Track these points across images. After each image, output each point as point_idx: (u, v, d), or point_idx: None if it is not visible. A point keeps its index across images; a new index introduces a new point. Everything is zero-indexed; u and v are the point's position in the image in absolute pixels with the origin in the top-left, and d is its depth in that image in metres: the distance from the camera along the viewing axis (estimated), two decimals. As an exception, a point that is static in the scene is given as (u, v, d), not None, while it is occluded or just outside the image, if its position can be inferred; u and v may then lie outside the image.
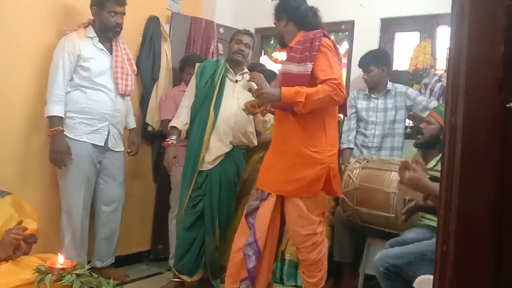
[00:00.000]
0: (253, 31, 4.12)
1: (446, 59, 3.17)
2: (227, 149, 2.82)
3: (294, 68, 2.23)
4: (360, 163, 2.69)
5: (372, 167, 2.63)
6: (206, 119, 2.80)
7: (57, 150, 2.61)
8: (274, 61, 4.37)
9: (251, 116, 2.91)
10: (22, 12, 2.65)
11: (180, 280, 2.85)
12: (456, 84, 0.56)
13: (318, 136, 2.27)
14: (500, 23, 0.53)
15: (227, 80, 2.92)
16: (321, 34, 2.23)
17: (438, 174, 2.49)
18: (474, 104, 0.54)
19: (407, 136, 3.28)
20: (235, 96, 2.89)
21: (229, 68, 2.95)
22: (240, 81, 2.96)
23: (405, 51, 3.64)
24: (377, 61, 3.23)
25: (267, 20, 4.03)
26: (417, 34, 3.65)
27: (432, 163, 2.67)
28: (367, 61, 3.23)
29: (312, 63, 2.19)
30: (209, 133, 2.79)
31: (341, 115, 2.76)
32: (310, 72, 2.19)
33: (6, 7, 2.57)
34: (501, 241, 0.51)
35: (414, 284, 1.79)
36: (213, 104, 2.82)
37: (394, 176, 2.45)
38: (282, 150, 2.31)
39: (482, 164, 0.53)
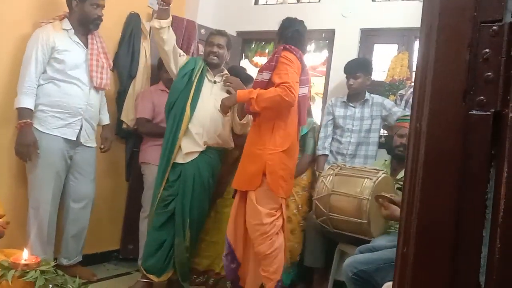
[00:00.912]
0: (234, 34, 4.15)
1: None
2: (200, 149, 2.80)
3: (258, 77, 2.55)
4: (334, 170, 2.72)
5: (345, 174, 2.67)
6: (181, 117, 2.78)
7: (23, 143, 2.54)
8: (255, 65, 4.38)
9: (227, 118, 2.91)
10: (-2, 1, 2.59)
11: (148, 280, 2.81)
12: (423, 91, 0.57)
13: (264, 136, 2.50)
14: (466, 34, 0.55)
15: (205, 80, 2.90)
16: (282, 48, 2.51)
17: None
18: (438, 110, 0.55)
19: (380, 145, 3.33)
20: (212, 98, 2.87)
21: (208, 69, 2.94)
22: (218, 82, 2.95)
23: (382, 62, 3.72)
24: (364, 69, 3.28)
25: (249, 24, 4.08)
26: (395, 46, 3.73)
27: (402, 173, 2.73)
28: (355, 67, 3.27)
29: (269, 72, 2.48)
30: (184, 131, 2.77)
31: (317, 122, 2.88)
32: (267, 80, 2.49)
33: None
34: (458, 243, 0.52)
35: (382, 291, 1.82)
36: (189, 102, 2.79)
37: (367, 183, 2.50)
38: (244, 150, 2.61)
39: (444, 169, 0.54)
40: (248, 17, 4.07)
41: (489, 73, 0.54)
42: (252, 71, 4.47)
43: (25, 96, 2.55)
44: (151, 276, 2.79)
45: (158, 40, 2.83)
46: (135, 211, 3.30)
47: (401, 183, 2.64)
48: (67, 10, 2.78)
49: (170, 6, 2.72)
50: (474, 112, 0.54)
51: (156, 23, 2.76)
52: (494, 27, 0.54)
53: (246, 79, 3.27)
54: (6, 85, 2.65)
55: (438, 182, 0.54)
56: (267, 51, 4.23)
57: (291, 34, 2.60)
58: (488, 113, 0.53)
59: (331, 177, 2.68)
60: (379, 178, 2.52)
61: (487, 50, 0.54)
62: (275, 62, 2.47)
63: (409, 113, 3.05)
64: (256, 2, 4.21)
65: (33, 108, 2.58)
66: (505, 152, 0.49)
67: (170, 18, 2.79)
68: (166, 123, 2.88)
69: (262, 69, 2.54)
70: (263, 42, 4.23)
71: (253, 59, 4.34)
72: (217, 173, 2.97)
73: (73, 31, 2.73)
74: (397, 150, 2.79)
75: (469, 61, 0.54)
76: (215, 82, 2.93)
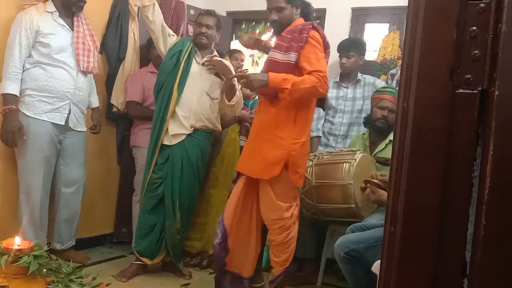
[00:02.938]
0: (224, 14, 4.09)
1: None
2: (187, 132, 2.78)
3: (279, 56, 2.29)
4: (312, 161, 2.73)
5: (324, 162, 2.68)
6: (169, 99, 2.75)
7: (8, 129, 2.51)
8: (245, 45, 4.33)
9: (215, 101, 2.89)
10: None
11: (141, 263, 2.83)
12: (410, 70, 0.57)
13: (286, 123, 2.32)
14: (453, 11, 0.54)
15: (194, 62, 2.86)
16: (310, 26, 2.28)
17: (385, 157, 2.63)
18: (425, 89, 0.55)
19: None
20: (200, 80, 2.85)
21: (196, 50, 2.89)
22: (207, 64, 2.91)
23: (374, 42, 3.69)
24: (357, 48, 3.26)
25: (239, 4, 4.02)
26: (386, 26, 3.70)
27: (381, 146, 2.76)
28: (348, 46, 3.25)
29: (296, 53, 2.24)
30: (171, 113, 2.76)
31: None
32: (293, 62, 2.25)
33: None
34: (444, 222, 0.53)
35: (372, 268, 1.84)
36: (176, 84, 2.76)
37: (346, 167, 2.54)
38: (253, 134, 2.44)
39: (431, 148, 0.54)
40: (238, -3, 4.01)
41: (476, 51, 0.53)
42: (244, 52, 4.44)
43: (9, 82, 2.51)
44: (143, 259, 2.82)
45: (145, 19, 2.80)
46: (128, 194, 3.31)
47: (380, 156, 2.68)
48: (51, -9, 2.71)
49: None
50: (461, 90, 0.54)
51: (138, 2, 2.73)
52: (482, 4, 0.53)
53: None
54: (-8, 70, 2.61)
55: (425, 161, 0.54)
56: (257, 31, 4.19)
57: (308, 10, 2.44)
58: (475, 91, 0.53)
59: (311, 168, 2.70)
60: (357, 160, 2.55)
61: (474, 28, 0.54)
62: (304, 42, 2.25)
63: (389, 86, 3.08)
64: (246, -18, 4.14)
65: (18, 94, 2.54)
66: (491, 131, 0.49)
67: None
68: (155, 104, 2.86)
69: (286, 49, 2.28)
70: (254, 23, 4.18)
71: (244, 39, 4.29)
72: (206, 155, 2.96)
73: (57, 13, 2.68)
74: (378, 122, 2.78)
75: (456, 39, 0.54)
76: (203, 64, 2.88)
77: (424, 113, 0.55)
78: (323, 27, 3.75)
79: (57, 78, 2.63)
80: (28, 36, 2.55)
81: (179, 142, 2.78)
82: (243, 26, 4.24)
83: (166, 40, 2.85)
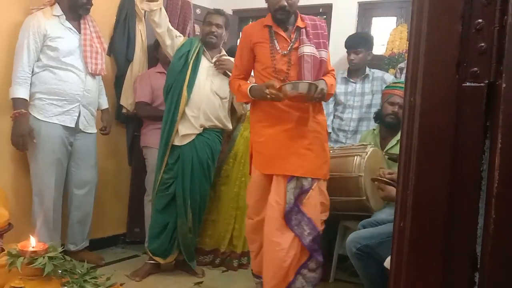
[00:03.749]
0: (230, 12, 4.09)
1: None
2: (196, 131, 2.79)
3: (316, 51, 2.25)
4: None
5: (334, 156, 2.67)
6: (178, 100, 2.76)
7: (18, 133, 2.54)
8: (252, 43, 4.33)
9: (224, 100, 2.89)
10: (-12, -11, 2.56)
11: (155, 262, 2.86)
12: (416, 65, 0.56)
13: (321, 115, 2.36)
14: (458, 4, 0.54)
15: (203, 61, 2.87)
16: (324, 24, 2.34)
17: (396, 153, 2.60)
18: (432, 84, 0.55)
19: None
20: (208, 79, 2.85)
21: (205, 49, 2.89)
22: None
23: (381, 36, 3.67)
24: (366, 43, 3.24)
25: (245, 2, 4.02)
26: (393, 19, 3.67)
27: (392, 142, 2.74)
28: (357, 42, 3.23)
29: (327, 51, 2.29)
30: (181, 114, 2.76)
31: None
32: (326, 59, 2.29)
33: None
34: (454, 216, 0.52)
35: (385, 264, 1.84)
36: (186, 84, 2.76)
37: (357, 160, 2.54)
38: (311, 134, 2.28)
39: (439, 142, 0.54)
40: (243, -6, 4.01)
41: (482, 44, 0.53)
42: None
43: (18, 86, 2.54)
44: (157, 258, 2.84)
45: (151, 22, 2.81)
46: (140, 194, 3.33)
47: (391, 153, 2.66)
48: (57, -5, 2.73)
49: None
50: (467, 84, 0.53)
51: (145, 6, 2.72)
52: (487, -4, 0.53)
53: None
54: (2, 74, 2.64)
55: (433, 156, 0.54)
56: (242, 31, 4.18)
57: None
58: (482, 84, 0.53)
59: None
60: (368, 153, 2.54)
61: (480, 20, 0.53)
62: (327, 39, 2.33)
63: (399, 81, 3.05)
64: (251, -21, 4.14)
65: (27, 98, 2.57)
66: (499, 124, 0.49)
67: (161, 0, 2.75)
68: (165, 105, 2.86)
69: (323, 45, 2.29)
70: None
71: (250, 37, 4.29)
72: (216, 154, 2.96)
73: (64, 17, 2.70)
74: (389, 118, 2.76)
75: (462, 32, 0.54)
76: (215, 63, 2.88)
77: (431, 107, 0.55)
78: (329, 23, 3.74)
79: (66, 81, 2.66)
80: (36, 40, 2.58)
81: (189, 142, 2.79)
82: (249, 23, 4.23)
83: (173, 42, 2.86)
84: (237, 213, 3.21)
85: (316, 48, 2.24)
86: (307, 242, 2.22)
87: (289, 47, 2.26)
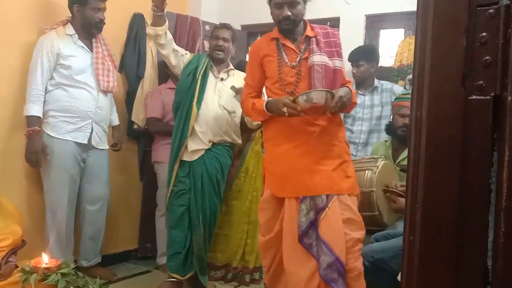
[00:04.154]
0: (239, 28, 4.14)
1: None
2: (205, 147, 2.79)
3: (328, 60, 2.10)
4: None
5: None
6: (188, 115, 2.76)
7: (32, 150, 2.58)
8: (261, 58, 4.37)
9: (233, 114, 2.89)
10: (2, 10, 2.62)
11: (174, 279, 2.81)
12: (422, 79, 0.57)
13: (342, 132, 2.23)
14: (462, 18, 0.54)
15: (210, 77, 2.87)
16: (337, 32, 2.22)
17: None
18: (438, 97, 0.55)
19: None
20: (216, 94, 2.85)
21: (212, 65, 2.90)
22: (225, 79, 2.90)
23: (390, 48, 3.67)
24: (368, 56, 3.25)
25: (253, 17, 4.07)
26: (401, 31, 3.68)
27: (404, 154, 2.72)
28: (357, 56, 3.25)
29: (342, 60, 2.17)
30: (191, 129, 2.76)
31: None
32: (343, 69, 2.18)
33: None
34: (463, 229, 0.52)
35: (398, 278, 1.82)
36: (195, 101, 2.77)
37: (369, 174, 2.50)
38: (323, 147, 2.09)
39: (446, 156, 0.54)
40: (251, 10, 4.05)
41: (487, 57, 0.53)
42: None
43: (32, 104, 2.59)
44: (176, 276, 2.79)
45: (156, 45, 2.84)
46: (151, 210, 3.34)
47: (403, 164, 2.64)
48: (69, 14, 2.80)
49: (164, 12, 2.68)
50: (473, 97, 0.54)
51: (151, 31, 2.73)
52: (491, 10, 0.54)
53: None
54: (17, 92, 2.70)
55: (441, 169, 0.54)
56: (250, 48, 4.22)
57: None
58: (488, 97, 0.53)
59: None
60: (379, 167, 2.50)
61: (484, 34, 0.54)
62: (341, 49, 2.19)
63: (408, 92, 3.04)
64: (259, -5, 4.19)
65: (41, 115, 2.62)
66: (506, 136, 0.49)
67: (166, 23, 2.76)
68: (174, 121, 2.88)
69: (330, 55, 2.13)
70: (268, 35, 4.20)
71: (259, 52, 4.32)
72: (226, 168, 2.95)
73: (77, 36, 2.76)
74: (400, 131, 2.73)
75: (467, 46, 0.54)
76: (222, 79, 2.89)
77: (437, 121, 0.55)
78: (337, 36, 3.76)
79: (79, 98, 2.71)
80: (49, 59, 2.64)
81: (198, 158, 2.79)
82: (258, 39, 4.27)
83: (179, 61, 2.87)
84: (249, 228, 3.20)
85: (329, 57, 2.09)
86: (321, 271, 1.93)
87: (298, 58, 2.12)
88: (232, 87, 2.89)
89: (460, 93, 0.53)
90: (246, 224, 3.19)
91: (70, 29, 2.76)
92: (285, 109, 1.99)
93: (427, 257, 0.54)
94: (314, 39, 2.13)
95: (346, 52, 3.39)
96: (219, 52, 2.87)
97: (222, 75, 2.90)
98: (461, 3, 0.54)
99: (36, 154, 2.59)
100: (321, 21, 3.77)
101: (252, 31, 4.22)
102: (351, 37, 3.63)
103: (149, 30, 2.76)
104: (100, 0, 2.74)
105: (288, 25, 2.13)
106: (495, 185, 0.52)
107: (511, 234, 0.48)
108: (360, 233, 2.03)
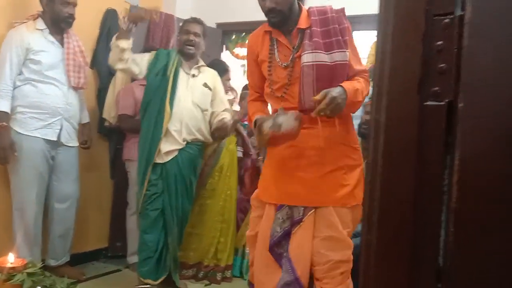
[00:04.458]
0: (214, 26, 4.13)
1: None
2: (179, 147, 2.72)
3: (326, 57, 1.73)
4: None
5: None
6: (160, 115, 2.67)
7: (0, 146, 2.52)
8: (236, 56, 4.38)
9: (205, 112, 2.84)
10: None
11: (146, 285, 2.74)
12: (381, 83, 0.59)
13: (353, 136, 1.92)
14: (420, 27, 0.57)
15: (181, 73, 2.78)
16: (342, 13, 1.81)
17: None
18: (395, 102, 0.57)
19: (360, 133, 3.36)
20: (189, 91, 2.78)
21: (183, 61, 2.81)
22: (196, 76, 2.83)
23: (362, 49, 3.74)
24: None
25: (229, 15, 4.07)
26: (374, 33, 3.75)
27: None
28: None
29: (347, 50, 1.76)
30: (165, 130, 2.67)
31: None
32: (347, 61, 1.76)
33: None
34: (418, 229, 0.55)
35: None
36: (168, 99, 2.68)
37: None
38: (311, 152, 1.82)
39: (402, 158, 0.57)
40: (227, 8, 4.05)
41: (443, 65, 0.56)
42: (233, 62, 4.48)
43: (0, 99, 2.52)
44: (148, 281, 2.73)
45: (117, 60, 2.64)
46: (122, 208, 3.31)
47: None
48: (40, 9, 2.73)
49: (135, 26, 2.62)
50: (429, 102, 0.56)
51: (119, 44, 2.58)
52: (446, 20, 0.56)
53: (222, 70, 3.24)
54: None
55: (397, 171, 0.57)
56: (247, 42, 4.22)
57: None
58: (442, 103, 0.55)
59: None
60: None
61: (440, 42, 0.56)
62: (348, 35, 1.79)
63: None
64: (234, -7, 4.19)
65: (8, 111, 2.56)
66: (457, 141, 0.52)
67: (131, 40, 2.66)
68: (141, 123, 2.77)
69: (332, 45, 1.75)
70: (244, 33, 4.21)
71: (234, 50, 4.33)
72: (198, 167, 2.92)
73: (48, 30, 2.70)
74: (361, 128, 2.61)
75: (423, 54, 0.56)
76: (193, 75, 2.81)
77: (395, 125, 0.57)
78: (312, 37, 3.79)
79: (48, 94, 2.65)
80: (18, 53, 2.58)
81: (172, 158, 2.71)
82: (233, 37, 4.27)
83: (141, 66, 2.74)
84: (223, 226, 3.21)
85: (327, 51, 1.73)
86: (278, 287, 1.78)
87: (291, 56, 1.81)
88: (205, 84, 2.84)
89: (416, 98, 0.56)
90: (220, 222, 3.20)
91: (40, 24, 2.70)
92: (256, 141, 1.80)
93: (383, 255, 0.57)
94: (308, 31, 1.78)
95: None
96: (190, 47, 2.77)
97: (193, 71, 2.83)
98: (419, 12, 0.57)
99: (4, 150, 2.53)
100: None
101: (227, 29, 4.22)
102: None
103: (117, 43, 2.60)
104: None
105: (275, 17, 1.81)
106: (448, 187, 0.54)
107: (460, 234, 0.51)
108: (343, 254, 1.78)
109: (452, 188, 0.52)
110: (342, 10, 1.82)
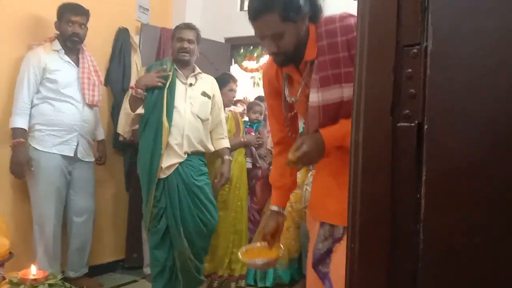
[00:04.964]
0: (223, 40, 4.23)
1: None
2: (181, 160, 2.66)
3: (334, 94, 1.50)
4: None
5: None
6: (159, 132, 2.61)
7: (17, 161, 2.64)
8: (244, 69, 4.48)
9: (206, 122, 2.77)
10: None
11: None
12: (359, 107, 0.66)
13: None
14: (391, 56, 0.64)
15: (177, 83, 2.71)
16: (350, 19, 1.47)
17: None
18: (372, 124, 0.64)
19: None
20: (187, 102, 2.70)
21: (177, 70, 2.73)
22: (193, 84, 2.76)
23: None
24: None
25: (236, 30, 4.17)
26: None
27: None
28: None
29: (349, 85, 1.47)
30: (165, 145, 2.62)
31: None
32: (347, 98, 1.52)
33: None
34: (395, 237, 0.61)
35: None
36: (165, 113, 2.60)
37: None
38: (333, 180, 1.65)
39: (379, 174, 0.63)
40: (235, 23, 4.15)
41: (412, 90, 0.63)
42: (243, 76, 4.58)
43: (17, 117, 2.65)
44: None
45: (124, 126, 2.77)
46: (137, 220, 3.39)
47: None
48: (55, 32, 2.88)
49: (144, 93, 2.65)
50: (401, 124, 0.63)
51: (130, 113, 2.66)
52: (414, 50, 0.63)
53: (223, 82, 3.16)
54: (4, 106, 2.75)
55: (375, 186, 0.63)
56: (255, 54, 4.33)
57: (316, 9, 1.52)
58: (413, 124, 0.62)
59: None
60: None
61: (409, 70, 0.63)
62: (353, 47, 1.43)
63: None
64: (241, 8, 4.31)
65: (26, 128, 2.68)
66: (423, 158, 0.58)
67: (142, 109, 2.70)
68: (140, 138, 2.74)
69: (339, 79, 1.47)
70: (251, 47, 4.32)
71: (243, 63, 4.44)
72: (203, 173, 2.79)
73: (63, 51, 2.84)
74: None
75: (395, 80, 0.63)
76: (190, 84, 2.74)
77: (371, 144, 0.64)
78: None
79: (64, 112, 2.77)
80: (36, 73, 2.71)
81: (173, 171, 2.65)
82: (241, 51, 4.38)
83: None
84: (235, 237, 3.27)
85: (336, 83, 1.47)
86: None
87: (299, 91, 1.60)
88: (203, 93, 2.77)
89: (389, 120, 0.62)
90: (232, 233, 3.26)
91: (56, 45, 2.83)
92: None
93: (365, 262, 0.63)
94: (316, 61, 1.51)
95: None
96: (185, 54, 2.71)
97: (190, 80, 2.77)
98: (391, 44, 0.64)
99: (21, 165, 2.64)
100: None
101: (235, 44, 4.32)
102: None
103: (126, 112, 2.68)
104: (73, 13, 2.80)
105: (279, 59, 1.57)
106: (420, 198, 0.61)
107: (428, 240, 0.57)
108: None
109: (420, 201, 0.58)
110: (348, 17, 1.49)
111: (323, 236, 1.69)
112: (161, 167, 2.64)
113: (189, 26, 2.78)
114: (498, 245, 0.55)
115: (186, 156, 2.68)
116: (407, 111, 0.63)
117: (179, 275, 2.74)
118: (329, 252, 1.67)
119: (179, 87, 2.71)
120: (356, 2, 0.71)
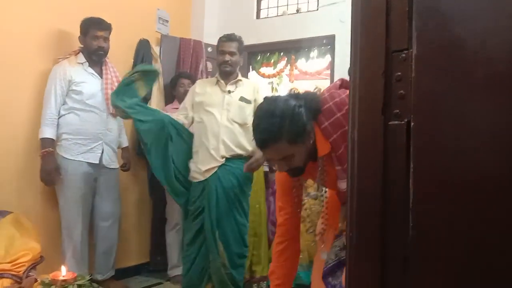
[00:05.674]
0: (240, 48, 4.32)
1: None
2: (218, 164, 2.72)
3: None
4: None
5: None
6: (167, 166, 2.75)
7: (46, 170, 2.77)
8: (262, 75, 4.56)
9: (245, 126, 2.79)
10: (20, 42, 2.85)
11: None
12: (354, 107, 0.73)
13: None
14: (381, 61, 0.70)
15: (218, 92, 2.84)
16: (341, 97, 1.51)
17: None
18: (365, 122, 0.71)
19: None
20: (224, 108, 2.79)
21: (219, 79, 2.87)
22: (232, 91, 2.84)
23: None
24: None
25: (253, 37, 4.26)
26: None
27: None
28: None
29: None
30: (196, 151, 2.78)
31: None
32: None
33: (4, 37, 2.76)
34: (386, 224, 0.67)
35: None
36: (171, 158, 2.77)
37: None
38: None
39: (373, 168, 0.70)
40: (251, 31, 4.25)
41: (402, 91, 0.69)
42: (260, 81, 4.66)
43: (46, 127, 2.79)
44: None
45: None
46: (161, 224, 3.50)
47: None
48: (79, 45, 3.03)
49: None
50: (392, 122, 0.69)
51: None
52: (403, 55, 0.69)
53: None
54: (34, 117, 2.90)
55: (370, 180, 0.70)
56: (272, 61, 4.41)
57: (314, 105, 1.54)
58: (403, 122, 0.68)
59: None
60: None
61: (399, 73, 0.70)
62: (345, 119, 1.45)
63: None
64: (258, 16, 4.40)
65: (54, 138, 2.82)
66: (411, 153, 0.65)
67: None
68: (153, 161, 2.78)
69: (336, 147, 1.51)
70: (268, 53, 4.40)
71: (260, 70, 4.52)
72: (246, 180, 2.81)
73: (87, 64, 2.98)
74: None
75: (385, 83, 0.70)
76: (229, 91, 2.83)
77: (365, 141, 0.70)
78: (333, 52, 3.92)
79: (90, 121, 2.90)
80: (62, 86, 2.85)
81: (212, 175, 2.72)
82: (259, 58, 4.46)
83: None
84: (255, 240, 3.34)
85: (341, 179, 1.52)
86: None
87: (321, 179, 1.63)
88: (241, 98, 2.83)
89: (381, 119, 0.69)
90: (252, 236, 3.31)
91: (81, 58, 2.97)
92: None
93: (359, 248, 0.69)
94: (334, 156, 1.53)
95: (343, 68, 3.56)
96: (226, 66, 2.83)
97: (230, 87, 2.85)
98: (380, 49, 0.70)
99: (50, 173, 2.78)
100: (318, 39, 3.95)
101: (252, 51, 4.41)
102: (347, 52, 3.76)
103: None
104: (98, 29, 2.94)
105: (293, 172, 1.60)
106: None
107: (417, 228, 0.63)
108: None
109: (409, 192, 0.64)
110: (339, 87, 1.57)
111: (338, 248, 1.71)
112: (199, 168, 2.75)
113: (230, 38, 2.86)
114: (481, 229, 0.60)
115: (223, 160, 2.74)
116: (397, 110, 0.69)
117: (208, 276, 2.75)
118: (341, 264, 1.68)
119: (218, 95, 2.83)
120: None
